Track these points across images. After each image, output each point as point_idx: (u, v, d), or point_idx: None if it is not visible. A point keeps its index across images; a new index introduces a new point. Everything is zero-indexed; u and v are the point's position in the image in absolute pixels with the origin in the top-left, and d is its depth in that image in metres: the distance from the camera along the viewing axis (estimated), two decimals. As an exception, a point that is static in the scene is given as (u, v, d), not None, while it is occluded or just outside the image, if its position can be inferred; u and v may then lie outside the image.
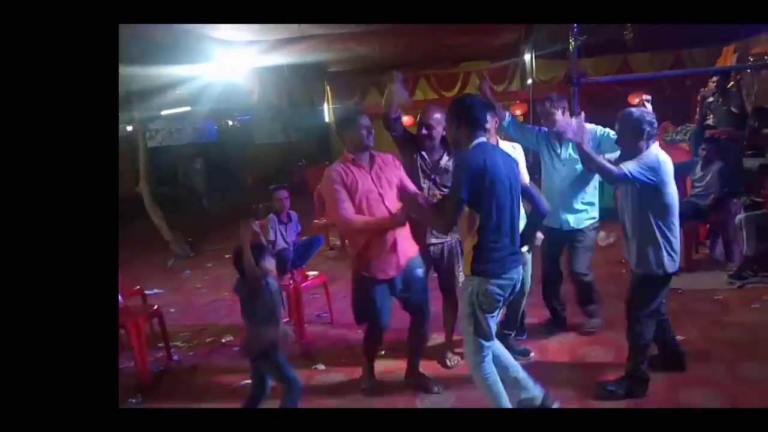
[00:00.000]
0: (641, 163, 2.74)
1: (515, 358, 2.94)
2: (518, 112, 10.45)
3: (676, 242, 2.86)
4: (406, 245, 3.07)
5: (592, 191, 3.65)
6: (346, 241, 3.53)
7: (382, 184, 3.03)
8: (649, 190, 2.77)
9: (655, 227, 2.81)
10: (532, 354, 3.58)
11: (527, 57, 7.46)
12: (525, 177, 3.56)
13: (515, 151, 3.64)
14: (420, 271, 3.11)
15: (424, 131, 3.29)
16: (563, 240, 3.71)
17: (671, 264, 2.85)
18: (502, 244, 2.46)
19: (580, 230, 3.64)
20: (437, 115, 3.27)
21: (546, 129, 3.69)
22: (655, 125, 2.86)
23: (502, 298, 2.53)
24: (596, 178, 3.59)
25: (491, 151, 2.48)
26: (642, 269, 2.89)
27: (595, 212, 3.69)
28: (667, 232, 2.82)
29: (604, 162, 2.86)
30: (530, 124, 9.47)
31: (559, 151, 3.62)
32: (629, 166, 2.75)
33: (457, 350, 3.55)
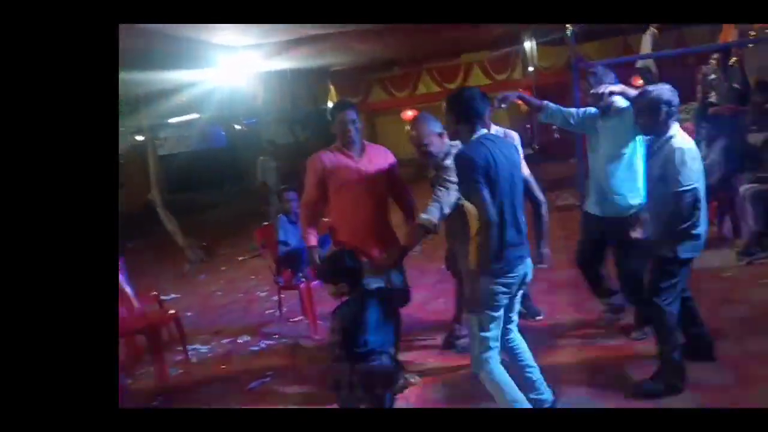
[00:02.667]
0: None
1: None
2: (528, 95, 10.45)
3: (696, 223, 2.72)
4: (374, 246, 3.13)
5: (634, 176, 3.28)
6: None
7: (369, 176, 3.09)
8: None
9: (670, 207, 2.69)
10: (541, 316, 3.91)
11: (528, 44, 7.45)
12: (524, 167, 3.56)
13: (508, 138, 3.59)
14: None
15: (421, 150, 2.99)
16: (607, 228, 3.40)
17: (687, 247, 2.72)
18: (507, 238, 2.40)
19: (623, 218, 3.28)
20: (428, 129, 2.98)
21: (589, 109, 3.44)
22: (675, 102, 2.69)
23: (507, 296, 2.49)
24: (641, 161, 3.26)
25: (493, 143, 2.45)
26: (657, 251, 2.82)
27: (640, 198, 3.26)
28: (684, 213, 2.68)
29: None
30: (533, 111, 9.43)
31: (600, 127, 3.34)
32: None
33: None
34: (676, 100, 2.69)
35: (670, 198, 2.69)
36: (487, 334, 2.49)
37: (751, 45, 5.82)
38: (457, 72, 11.48)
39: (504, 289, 2.45)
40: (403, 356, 3.55)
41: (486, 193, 2.31)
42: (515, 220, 2.46)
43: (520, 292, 2.66)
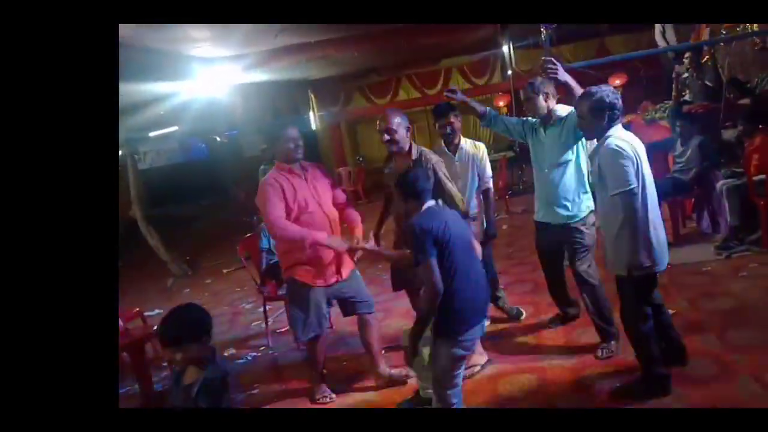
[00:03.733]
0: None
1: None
2: (501, 103, 10.56)
3: (655, 234, 2.62)
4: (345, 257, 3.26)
5: (581, 180, 3.36)
6: (276, 248, 3.58)
7: (318, 191, 3.22)
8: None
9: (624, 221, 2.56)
10: (524, 316, 4.01)
11: (505, 49, 7.55)
12: (486, 181, 3.81)
13: (478, 149, 3.79)
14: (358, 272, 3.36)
15: (386, 137, 3.15)
16: (559, 236, 3.44)
17: (646, 260, 2.59)
18: (464, 298, 2.39)
19: (574, 225, 3.34)
20: (397, 119, 3.15)
21: (530, 118, 3.54)
22: (618, 106, 2.63)
23: (467, 354, 2.51)
24: (586, 166, 3.34)
25: (442, 213, 2.49)
26: (613, 268, 2.74)
27: (589, 202, 3.36)
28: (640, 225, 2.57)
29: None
30: (513, 113, 9.55)
31: (543, 137, 3.40)
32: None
33: None
34: (618, 102, 2.62)
35: (609, 202, 2.62)
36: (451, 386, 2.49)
37: (722, 44, 5.95)
38: (436, 77, 11.56)
39: (463, 352, 2.44)
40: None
41: (434, 262, 2.31)
42: (470, 284, 2.44)
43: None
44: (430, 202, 2.51)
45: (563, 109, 3.29)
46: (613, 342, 3.29)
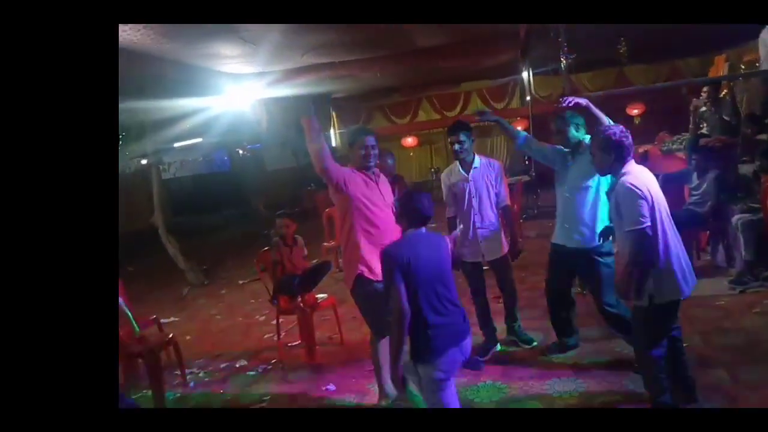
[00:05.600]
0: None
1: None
2: (519, 128, 10.61)
3: (678, 261, 2.67)
4: None
5: (600, 209, 3.44)
6: (342, 244, 3.48)
7: (384, 198, 3.29)
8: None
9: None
10: (536, 342, 3.95)
11: (525, 74, 7.64)
12: (504, 199, 3.90)
13: (493, 168, 3.89)
14: None
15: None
16: (571, 261, 3.54)
17: (658, 291, 2.64)
18: (434, 326, 2.45)
19: (586, 251, 3.43)
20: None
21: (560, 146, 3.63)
22: (626, 144, 2.70)
23: (447, 377, 2.53)
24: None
25: (418, 243, 2.54)
26: (628, 297, 2.78)
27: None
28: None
29: None
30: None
31: (570, 163, 3.54)
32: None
33: None
34: (626, 141, 2.69)
35: (625, 236, 2.67)
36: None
37: (741, 78, 5.96)
38: (456, 100, 11.69)
39: (444, 375, 2.49)
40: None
41: (401, 288, 2.41)
42: (441, 310, 2.50)
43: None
44: (415, 230, 2.56)
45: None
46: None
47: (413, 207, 2.55)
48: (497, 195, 3.87)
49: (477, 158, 3.87)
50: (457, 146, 3.79)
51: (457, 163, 3.91)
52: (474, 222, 3.84)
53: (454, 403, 2.56)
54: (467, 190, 3.83)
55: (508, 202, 3.94)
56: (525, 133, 3.80)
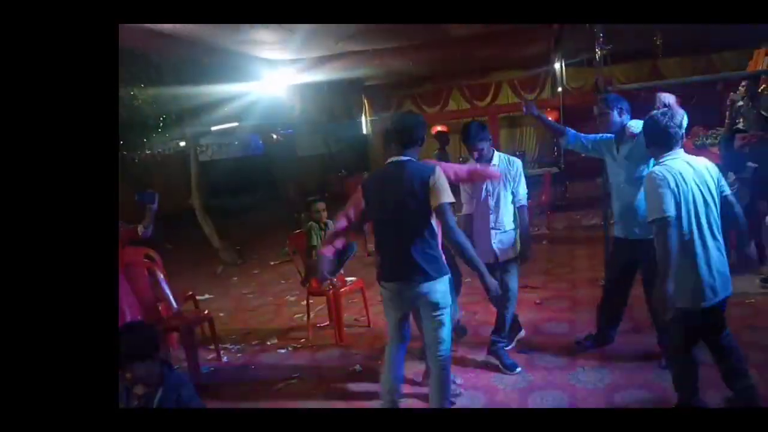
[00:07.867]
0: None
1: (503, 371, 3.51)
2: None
3: (707, 266, 2.54)
4: None
5: None
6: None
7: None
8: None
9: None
10: (519, 369, 3.56)
11: (557, 65, 7.57)
12: (521, 198, 3.66)
13: (512, 165, 3.63)
14: None
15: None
16: (634, 252, 3.38)
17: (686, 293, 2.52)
18: (382, 253, 2.87)
19: (649, 241, 3.20)
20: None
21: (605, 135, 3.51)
22: (675, 127, 2.58)
23: (391, 303, 2.88)
24: None
25: (382, 173, 2.88)
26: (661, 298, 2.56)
27: None
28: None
29: None
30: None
31: (616, 154, 3.42)
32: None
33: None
34: (673, 124, 2.57)
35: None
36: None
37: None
38: (487, 90, 11.62)
39: (385, 294, 2.88)
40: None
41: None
42: (390, 242, 2.80)
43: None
44: (394, 158, 2.80)
45: (637, 125, 3.25)
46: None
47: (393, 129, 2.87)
48: (514, 194, 3.63)
49: (497, 155, 3.65)
50: (476, 154, 3.56)
51: (474, 158, 3.64)
52: (489, 221, 3.62)
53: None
54: (484, 188, 3.61)
55: (524, 202, 3.68)
56: (572, 130, 3.69)
